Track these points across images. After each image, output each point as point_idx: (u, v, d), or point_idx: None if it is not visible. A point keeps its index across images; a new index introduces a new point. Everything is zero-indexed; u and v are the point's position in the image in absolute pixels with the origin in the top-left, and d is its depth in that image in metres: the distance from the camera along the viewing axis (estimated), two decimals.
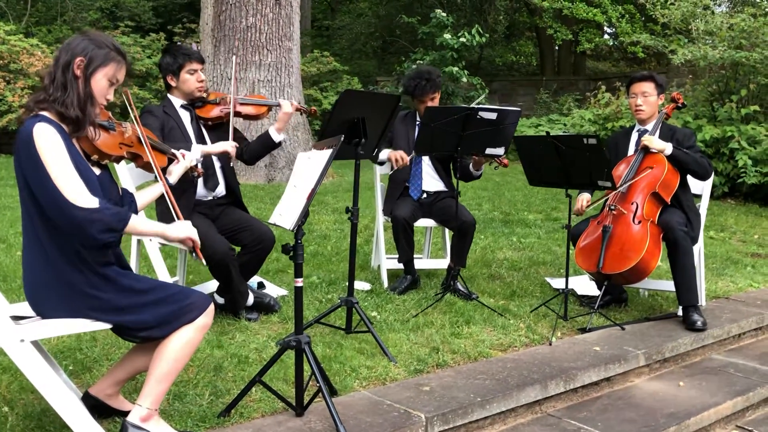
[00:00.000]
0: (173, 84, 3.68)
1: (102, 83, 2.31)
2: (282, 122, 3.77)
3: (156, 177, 2.65)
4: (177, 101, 3.71)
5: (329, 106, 12.65)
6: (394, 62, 15.81)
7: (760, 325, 4.35)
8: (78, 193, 2.18)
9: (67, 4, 15.18)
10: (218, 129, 3.78)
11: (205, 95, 3.76)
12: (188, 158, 2.69)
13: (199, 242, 2.45)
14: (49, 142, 2.17)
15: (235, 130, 3.76)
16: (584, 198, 4.24)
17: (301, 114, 3.77)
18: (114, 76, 2.34)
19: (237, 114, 3.78)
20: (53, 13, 15.63)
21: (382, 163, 4.45)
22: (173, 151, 2.76)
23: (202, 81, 3.69)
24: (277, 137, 3.80)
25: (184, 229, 2.42)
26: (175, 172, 2.81)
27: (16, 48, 10.40)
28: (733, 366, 3.82)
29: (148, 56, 12.41)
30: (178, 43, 3.76)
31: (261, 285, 4.13)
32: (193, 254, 2.48)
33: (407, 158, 4.27)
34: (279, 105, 3.83)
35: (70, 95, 2.25)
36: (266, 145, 3.83)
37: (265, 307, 3.75)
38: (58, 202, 2.16)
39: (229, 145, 3.59)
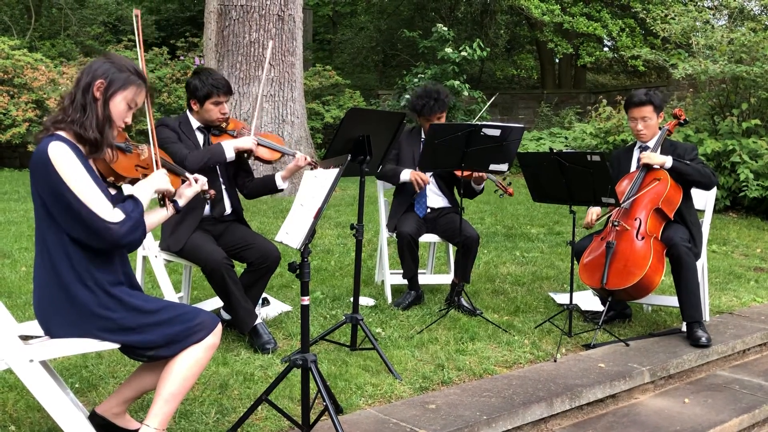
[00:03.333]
0: (195, 108, 3.65)
1: (121, 106, 2.33)
2: (289, 172, 3.77)
3: (159, 202, 2.64)
4: (194, 122, 3.70)
5: (331, 119, 12.68)
6: (395, 76, 15.86)
7: (765, 341, 4.34)
8: (106, 209, 2.22)
9: (71, 18, 15.28)
10: None
11: (224, 125, 3.73)
12: (200, 182, 2.70)
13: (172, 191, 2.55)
14: (66, 161, 2.19)
15: (245, 161, 3.75)
16: (594, 211, 4.25)
17: (311, 168, 3.73)
18: (133, 99, 2.36)
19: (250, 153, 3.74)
20: (57, 28, 15.74)
21: (403, 183, 4.45)
22: (187, 174, 2.77)
23: (224, 113, 3.67)
24: (281, 184, 3.81)
25: (164, 180, 2.49)
26: (185, 195, 2.81)
27: (21, 62, 10.45)
28: (738, 382, 3.81)
29: (150, 70, 12.45)
30: (209, 69, 3.73)
31: (265, 301, 4.14)
32: (161, 202, 2.56)
33: (427, 178, 4.36)
34: (293, 155, 3.79)
35: (89, 117, 2.27)
36: (269, 188, 3.85)
37: (260, 345, 3.49)
38: (90, 221, 2.19)
39: (251, 142, 3.62)
